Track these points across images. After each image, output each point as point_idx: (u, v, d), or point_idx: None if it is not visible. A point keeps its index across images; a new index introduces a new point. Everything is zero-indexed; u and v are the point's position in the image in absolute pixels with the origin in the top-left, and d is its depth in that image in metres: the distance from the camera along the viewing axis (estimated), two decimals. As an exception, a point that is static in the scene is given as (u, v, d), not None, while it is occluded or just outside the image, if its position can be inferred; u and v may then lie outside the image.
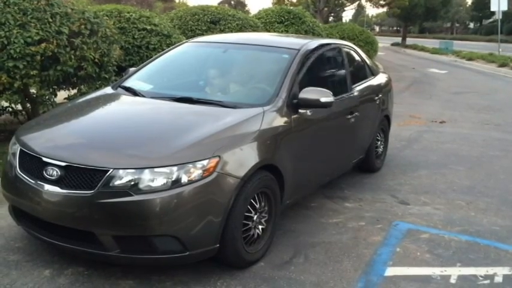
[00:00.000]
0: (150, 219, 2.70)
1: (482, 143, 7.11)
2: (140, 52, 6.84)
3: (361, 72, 5.15)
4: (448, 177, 5.35)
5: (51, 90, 5.62)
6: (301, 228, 3.84)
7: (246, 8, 58.36)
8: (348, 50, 5.00)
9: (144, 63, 4.47)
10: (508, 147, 6.88)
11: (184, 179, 2.76)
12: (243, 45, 4.38)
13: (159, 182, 2.73)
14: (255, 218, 3.18)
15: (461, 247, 3.63)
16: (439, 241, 3.72)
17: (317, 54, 4.22)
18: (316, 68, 4.23)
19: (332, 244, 3.60)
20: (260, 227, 3.26)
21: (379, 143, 5.52)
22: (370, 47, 18.64)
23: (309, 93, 3.56)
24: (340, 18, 46.55)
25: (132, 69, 4.42)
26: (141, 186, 2.71)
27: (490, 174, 5.56)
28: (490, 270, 3.29)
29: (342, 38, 17.69)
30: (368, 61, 5.48)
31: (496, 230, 3.97)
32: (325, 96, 3.54)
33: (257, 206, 3.19)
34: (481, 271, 3.28)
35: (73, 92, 6.03)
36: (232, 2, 60.45)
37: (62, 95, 6.16)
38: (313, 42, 4.30)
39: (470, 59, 24.75)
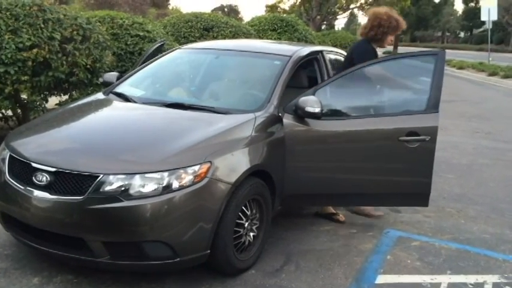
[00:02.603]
0: (140, 225, 2.69)
1: (473, 151, 7.17)
2: (133, 58, 6.83)
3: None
4: (438, 185, 5.36)
5: (42, 96, 5.59)
6: (293, 236, 3.84)
7: (239, 16, 58.56)
8: (339, 57, 5.02)
9: (136, 69, 4.46)
10: (498, 156, 6.94)
11: (175, 184, 2.75)
12: (235, 52, 4.38)
13: (150, 187, 2.71)
14: (246, 225, 3.17)
15: (452, 255, 3.64)
16: (430, 249, 3.73)
17: (308, 61, 4.23)
18: (306, 74, 4.24)
19: (323, 252, 3.60)
20: (251, 234, 3.25)
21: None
22: (362, 55, 18.75)
23: (304, 102, 3.45)
24: (333, 27, 46.85)
25: (109, 73, 4.37)
26: (131, 191, 2.69)
27: (480, 182, 5.59)
28: (480, 278, 3.30)
29: (335, 46, 17.77)
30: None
31: (485, 237, 3.99)
32: (315, 106, 3.41)
33: (248, 213, 3.18)
34: (470, 279, 3.29)
35: (64, 98, 6.00)
36: (226, 9, 60.64)
37: (53, 101, 6.13)
38: (305, 49, 4.31)
39: (460, 68, 24.97)
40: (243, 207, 3.12)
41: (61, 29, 5.20)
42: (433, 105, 3.60)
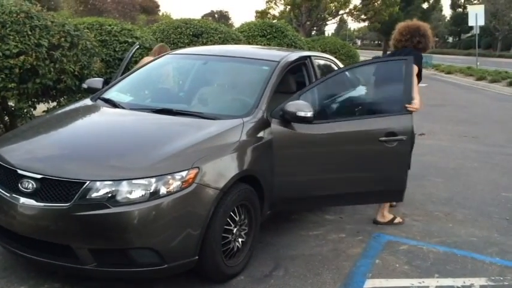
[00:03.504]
0: (127, 232, 2.67)
1: (461, 155, 7.22)
2: (121, 65, 6.81)
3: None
4: (426, 189, 5.41)
5: (30, 103, 5.56)
6: (282, 241, 3.84)
7: (230, 21, 58.70)
8: (327, 62, 5.05)
9: (124, 74, 4.45)
10: (486, 159, 7.00)
11: (163, 190, 2.74)
12: (224, 57, 4.39)
13: (137, 193, 2.70)
14: (234, 231, 3.17)
15: (439, 258, 3.66)
16: (418, 252, 3.75)
17: (296, 66, 4.25)
18: (294, 80, 4.27)
19: (312, 257, 3.60)
20: (240, 240, 3.25)
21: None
22: (351, 61, 18.84)
23: (292, 106, 3.48)
24: (323, 32, 47.10)
25: (93, 79, 4.35)
26: (118, 198, 2.68)
27: (468, 185, 5.64)
28: (467, 281, 3.32)
29: (324, 51, 17.86)
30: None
31: (473, 240, 4.02)
32: (306, 110, 3.43)
33: (237, 218, 3.18)
34: (458, 282, 3.31)
35: (52, 104, 5.97)
36: (216, 16, 60.76)
37: (41, 108, 6.09)
38: (293, 55, 4.33)
39: (449, 73, 25.19)
40: (231, 213, 3.12)
41: (48, 36, 5.17)
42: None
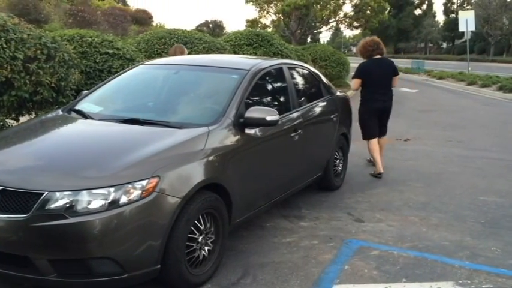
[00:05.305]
0: (85, 242, 2.67)
1: (443, 160, 7.23)
2: (102, 76, 6.80)
3: (314, 91, 5.22)
4: (405, 194, 5.41)
5: (13, 115, 5.55)
6: (253, 248, 3.83)
7: (225, 31, 58.80)
8: (301, 70, 5.07)
9: (97, 85, 4.47)
10: (467, 163, 7.01)
11: (123, 199, 2.74)
12: (195, 67, 4.42)
13: (96, 203, 2.70)
14: (200, 239, 3.16)
15: (409, 263, 3.64)
16: (388, 257, 3.73)
17: (267, 74, 4.28)
18: (265, 88, 4.29)
19: (282, 264, 3.59)
20: (206, 248, 3.24)
21: (337, 161, 5.57)
22: (341, 68, 18.89)
23: (255, 112, 3.61)
24: (317, 40, 47.29)
25: (85, 91, 4.41)
26: (77, 208, 2.68)
27: (447, 190, 5.63)
28: (434, 285, 3.31)
29: (314, 59, 17.90)
30: (324, 81, 5.56)
31: (445, 245, 4.01)
32: (270, 114, 3.60)
33: (202, 227, 3.17)
34: (425, 286, 3.30)
35: (33, 117, 5.96)
36: (211, 25, 60.86)
37: (21, 120, 6.07)
38: (265, 63, 4.36)
39: (440, 78, 25.31)
40: (196, 222, 3.12)
41: (24, 49, 5.18)
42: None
